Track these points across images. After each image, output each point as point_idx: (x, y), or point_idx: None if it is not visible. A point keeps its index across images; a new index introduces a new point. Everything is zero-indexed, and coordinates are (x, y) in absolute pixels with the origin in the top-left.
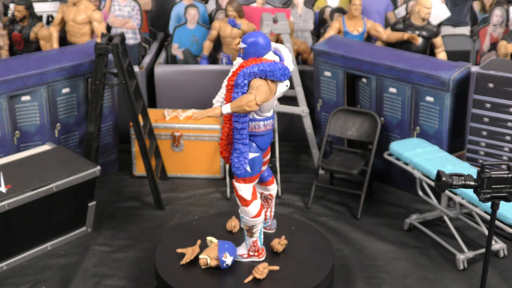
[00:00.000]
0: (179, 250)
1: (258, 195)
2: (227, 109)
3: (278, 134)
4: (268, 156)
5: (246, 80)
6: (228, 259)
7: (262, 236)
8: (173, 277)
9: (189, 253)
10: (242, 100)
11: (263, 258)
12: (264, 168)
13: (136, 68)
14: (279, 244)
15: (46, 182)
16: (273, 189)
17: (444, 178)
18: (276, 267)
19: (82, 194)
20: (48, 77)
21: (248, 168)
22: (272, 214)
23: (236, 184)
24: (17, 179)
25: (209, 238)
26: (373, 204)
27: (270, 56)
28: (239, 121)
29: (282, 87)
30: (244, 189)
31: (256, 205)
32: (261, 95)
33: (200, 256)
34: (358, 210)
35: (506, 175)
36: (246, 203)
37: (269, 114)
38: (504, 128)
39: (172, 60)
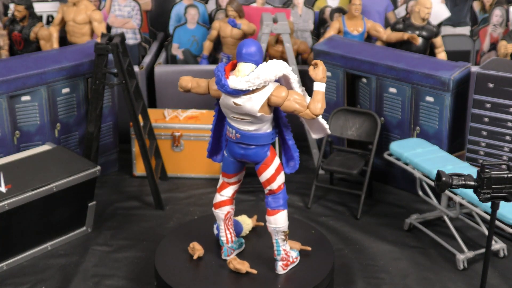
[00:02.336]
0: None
1: (224, 194)
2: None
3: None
4: (261, 178)
5: None
6: (215, 230)
7: (222, 237)
8: (173, 277)
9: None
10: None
11: (223, 257)
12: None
13: (136, 68)
14: (232, 261)
15: (46, 182)
16: (268, 221)
17: (444, 178)
18: (201, 252)
19: (82, 194)
20: (48, 77)
21: None
22: (275, 253)
23: None
24: (17, 179)
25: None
26: (373, 204)
27: (243, 65)
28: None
29: (228, 100)
30: (220, 178)
31: (216, 197)
32: (184, 81)
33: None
34: (358, 210)
35: (506, 175)
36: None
37: (231, 122)
38: (504, 128)
39: (172, 60)
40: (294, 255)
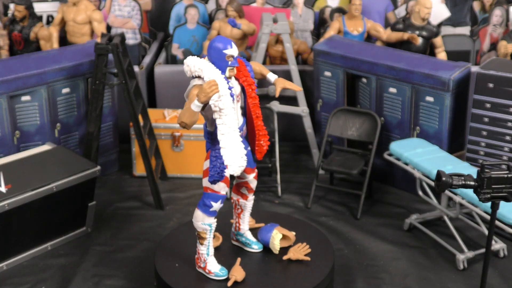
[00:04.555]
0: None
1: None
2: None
3: (278, 134)
4: None
5: None
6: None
7: None
8: (173, 277)
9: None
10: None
11: None
12: None
13: (136, 68)
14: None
15: (46, 182)
16: None
17: (444, 178)
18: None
19: (82, 194)
20: (48, 77)
21: None
22: None
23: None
24: (17, 179)
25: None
26: (373, 204)
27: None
28: None
29: None
30: None
31: None
32: None
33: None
34: (358, 210)
35: (506, 175)
36: None
37: None
38: (504, 128)
39: (172, 60)
40: (210, 267)
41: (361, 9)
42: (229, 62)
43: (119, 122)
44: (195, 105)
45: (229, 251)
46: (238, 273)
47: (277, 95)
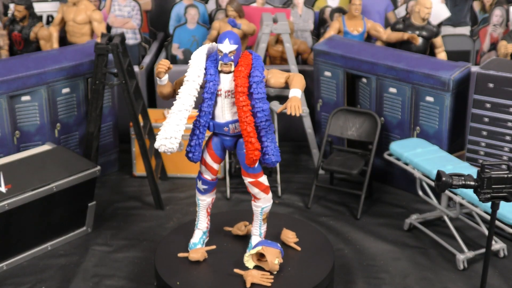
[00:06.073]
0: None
1: None
2: (298, 91)
3: (278, 134)
4: None
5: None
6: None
7: None
8: (173, 277)
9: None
10: (303, 79)
11: None
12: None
13: (136, 68)
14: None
15: (46, 182)
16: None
17: (444, 178)
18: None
19: (82, 194)
20: (48, 77)
21: None
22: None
23: (261, 179)
24: (17, 179)
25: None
26: (373, 204)
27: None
28: (266, 110)
29: None
30: (265, 178)
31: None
32: None
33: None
34: (358, 210)
35: (506, 175)
36: (268, 190)
37: None
38: (504, 128)
39: (172, 60)
40: (192, 238)
41: (361, 9)
42: (219, 56)
43: (119, 122)
44: (157, 79)
45: (239, 245)
46: (194, 252)
47: (277, 111)
